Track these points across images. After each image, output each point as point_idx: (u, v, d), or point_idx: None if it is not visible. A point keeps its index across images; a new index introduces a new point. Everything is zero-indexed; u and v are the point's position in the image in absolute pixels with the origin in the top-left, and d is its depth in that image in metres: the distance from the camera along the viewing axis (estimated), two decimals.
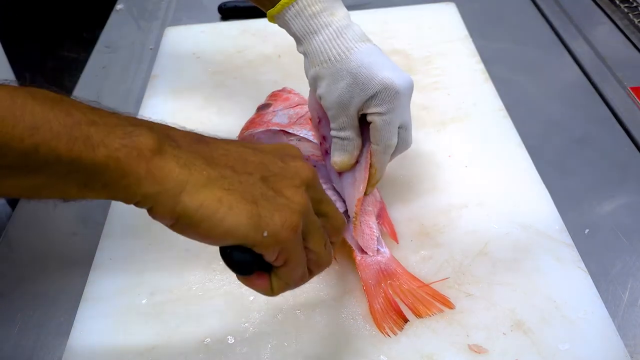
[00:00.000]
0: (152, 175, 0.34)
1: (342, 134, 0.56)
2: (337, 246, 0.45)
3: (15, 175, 0.33)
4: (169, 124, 0.39)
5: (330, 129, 0.57)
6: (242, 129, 0.68)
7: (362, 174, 0.56)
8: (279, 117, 0.67)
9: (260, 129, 0.66)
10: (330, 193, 0.59)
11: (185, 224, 0.35)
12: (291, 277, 0.40)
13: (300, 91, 0.70)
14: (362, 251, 0.56)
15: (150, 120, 0.38)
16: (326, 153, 0.60)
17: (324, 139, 0.60)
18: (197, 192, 0.35)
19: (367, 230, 0.57)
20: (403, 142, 0.56)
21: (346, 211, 0.58)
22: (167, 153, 0.35)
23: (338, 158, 0.57)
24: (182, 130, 0.38)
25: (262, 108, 0.70)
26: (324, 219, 0.42)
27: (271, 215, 0.36)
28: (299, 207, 0.38)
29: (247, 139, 0.66)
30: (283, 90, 0.73)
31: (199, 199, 0.35)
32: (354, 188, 0.57)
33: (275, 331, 0.52)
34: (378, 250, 0.56)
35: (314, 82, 0.56)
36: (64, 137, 0.32)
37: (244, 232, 0.36)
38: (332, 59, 0.54)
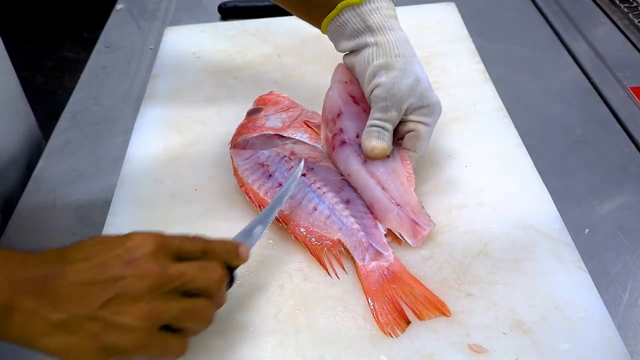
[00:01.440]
0: (3, 332, 0.41)
1: (385, 124, 0.59)
2: (223, 296, 0.48)
3: None
4: (27, 256, 0.43)
5: (373, 118, 0.59)
6: (234, 135, 0.67)
7: (400, 166, 0.60)
8: (272, 121, 0.67)
9: (254, 134, 0.66)
10: (330, 195, 0.59)
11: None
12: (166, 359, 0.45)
13: (300, 92, 0.70)
14: (362, 258, 0.56)
15: (12, 259, 0.43)
16: (342, 144, 0.62)
17: (341, 130, 0.62)
18: (44, 342, 0.41)
19: (376, 230, 0.57)
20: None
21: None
22: (12, 313, 0.40)
23: (378, 143, 0.59)
24: (32, 271, 0.42)
25: (253, 113, 0.70)
26: (197, 291, 0.45)
27: (114, 344, 0.41)
28: (140, 324, 0.42)
29: (240, 145, 0.66)
30: (271, 94, 0.73)
31: (46, 347, 0.41)
32: (397, 176, 0.59)
33: (275, 331, 0.52)
34: (381, 254, 0.56)
35: (377, 71, 0.59)
36: None
37: None
38: (405, 56, 0.59)
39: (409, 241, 0.57)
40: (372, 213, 0.59)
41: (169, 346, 0.44)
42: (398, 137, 0.62)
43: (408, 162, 0.60)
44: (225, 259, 0.49)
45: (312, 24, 0.65)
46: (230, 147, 0.66)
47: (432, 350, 0.50)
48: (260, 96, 0.73)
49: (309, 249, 0.57)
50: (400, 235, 0.57)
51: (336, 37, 0.63)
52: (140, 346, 0.42)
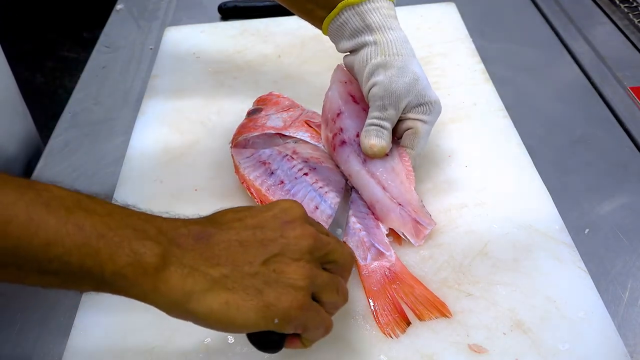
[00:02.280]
0: (158, 289, 0.38)
1: (383, 123, 0.59)
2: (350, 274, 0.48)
3: (34, 276, 0.37)
4: (176, 219, 0.42)
5: (371, 117, 0.60)
6: (235, 134, 0.67)
7: (399, 164, 0.60)
8: (273, 121, 0.67)
9: (256, 133, 0.66)
10: (332, 195, 0.60)
11: (198, 323, 0.40)
12: (315, 335, 0.44)
13: (300, 92, 0.70)
14: (364, 258, 0.56)
15: (160, 219, 0.41)
16: (342, 143, 0.62)
17: (341, 130, 0.62)
18: (204, 299, 0.38)
19: (378, 230, 0.58)
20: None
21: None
22: (171, 266, 0.38)
23: (376, 142, 0.59)
24: (186, 229, 0.41)
25: (253, 113, 0.70)
26: (333, 265, 0.45)
27: (277, 302, 0.39)
28: (302, 283, 0.41)
29: (241, 144, 0.66)
30: (270, 94, 0.73)
31: (206, 305, 0.38)
32: (397, 175, 0.60)
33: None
34: (383, 254, 0.56)
35: (374, 69, 0.59)
36: (75, 253, 0.36)
37: (255, 324, 0.40)
38: (403, 55, 0.60)
39: (411, 240, 0.57)
40: (373, 213, 0.59)
41: (321, 315, 0.43)
42: (397, 135, 0.62)
43: (407, 160, 0.60)
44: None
45: (313, 24, 0.65)
46: (231, 146, 0.66)
47: (432, 350, 0.50)
48: (259, 97, 0.73)
49: None
50: (403, 234, 0.57)
51: (337, 37, 0.63)
52: (299, 307, 0.40)
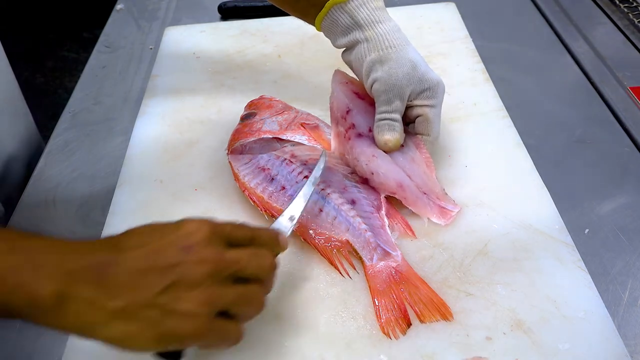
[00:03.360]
0: (59, 324, 0.40)
1: (393, 115, 0.60)
2: (272, 282, 0.48)
3: None
4: (79, 244, 0.42)
5: (379, 112, 0.61)
6: (230, 140, 0.67)
7: (417, 153, 0.61)
8: (268, 125, 0.67)
9: (252, 138, 0.66)
10: (335, 196, 0.59)
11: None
12: (222, 347, 0.46)
13: (300, 92, 0.70)
14: (371, 258, 0.56)
15: (65, 247, 0.42)
16: (359, 136, 0.63)
17: (353, 125, 0.63)
18: (102, 331, 0.40)
19: (384, 230, 0.58)
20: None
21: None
22: (68, 303, 0.39)
23: (391, 136, 0.60)
24: (86, 260, 0.41)
25: (247, 117, 0.69)
26: (248, 277, 0.45)
27: (174, 332, 0.41)
28: (199, 310, 0.41)
29: (238, 150, 0.66)
30: (262, 98, 0.73)
31: (105, 336, 0.40)
32: (418, 165, 0.61)
33: (275, 331, 0.52)
34: (389, 254, 0.56)
35: (371, 66, 0.60)
36: None
37: (154, 349, 0.42)
38: (396, 46, 0.60)
39: (438, 222, 0.59)
40: (377, 211, 0.59)
41: (226, 332, 0.44)
42: (407, 122, 0.63)
43: (423, 148, 0.62)
44: (270, 245, 0.49)
45: (307, 22, 0.66)
46: (227, 153, 0.66)
47: (432, 350, 0.50)
48: (250, 101, 0.73)
49: (319, 251, 0.57)
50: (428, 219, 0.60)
51: (331, 34, 0.64)
52: (199, 333, 0.41)
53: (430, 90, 0.61)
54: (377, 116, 0.61)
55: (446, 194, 0.61)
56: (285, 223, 0.53)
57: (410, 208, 0.60)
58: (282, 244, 0.50)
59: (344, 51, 0.65)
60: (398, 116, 0.61)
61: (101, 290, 0.40)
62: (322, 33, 0.65)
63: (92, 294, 0.40)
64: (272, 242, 0.49)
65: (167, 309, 0.40)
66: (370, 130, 0.63)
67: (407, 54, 0.61)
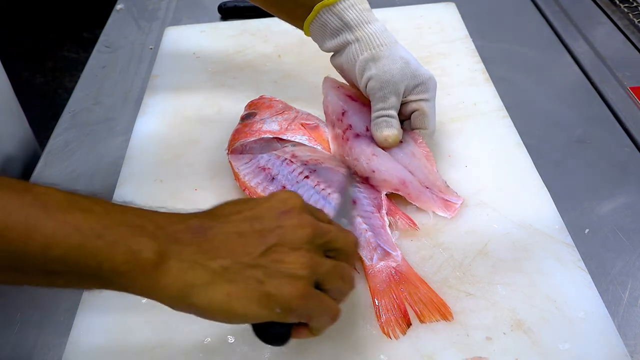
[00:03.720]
0: (158, 285, 0.38)
1: (390, 112, 0.61)
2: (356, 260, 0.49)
3: (37, 277, 0.38)
4: (173, 213, 0.42)
5: (376, 110, 0.61)
6: (231, 140, 0.67)
7: (417, 148, 0.62)
8: (268, 125, 0.67)
9: (252, 139, 0.66)
10: (336, 196, 0.59)
11: (202, 317, 0.40)
12: (321, 323, 0.43)
13: (301, 92, 0.70)
14: (371, 258, 0.56)
15: (157, 214, 0.41)
16: (357, 136, 0.63)
17: (350, 126, 0.64)
18: (205, 292, 0.39)
19: (384, 230, 0.58)
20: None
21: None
22: (169, 261, 0.38)
23: (389, 132, 0.61)
24: (183, 224, 0.41)
25: (247, 117, 0.69)
26: (335, 252, 0.44)
27: (278, 291, 0.39)
28: (302, 272, 0.40)
29: (238, 150, 0.66)
30: (261, 98, 0.73)
31: (208, 298, 0.39)
32: (419, 160, 0.62)
33: None
34: (389, 254, 0.56)
35: (365, 65, 0.61)
36: (73, 254, 0.36)
37: (257, 315, 0.40)
38: (387, 44, 0.61)
39: (444, 215, 0.60)
40: (378, 211, 0.59)
41: (326, 303, 0.43)
42: (402, 119, 0.64)
43: (422, 142, 0.63)
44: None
45: (294, 24, 0.66)
46: (228, 153, 0.66)
47: (432, 350, 0.50)
48: (250, 101, 0.73)
49: None
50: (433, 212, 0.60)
51: (320, 38, 0.65)
52: (301, 296, 0.40)
53: (424, 84, 0.62)
54: (374, 114, 0.62)
55: (448, 186, 0.61)
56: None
57: (414, 203, 0.61)
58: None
59: (332, 55, 0.65)
60: (394, 112, 0.61)
61: (203, 251, 0.39)
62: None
63: (194, 254, 0.39)
64: (354, 236, 0.48)
65: (269, 269, 0.40)
66: (368, 129, 0.63)
67: (398, 51, 0.62)
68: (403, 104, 0.63)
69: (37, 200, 0.37)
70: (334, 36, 0.63)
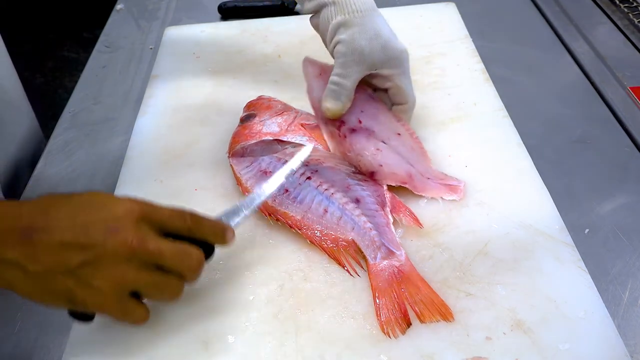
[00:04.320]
0: None
1: (344, 81, 0.61)
2: (197, 278, 0.50)
3: None
4: (7, 206, 0.46)
5: (333, 74, 0.62)
6: (231, 143, 0.67)
7: (412, 143, 0.64)
8: (268, 127, 0.67)
9: (253, 141, 0.65)
10: (339, 196, 0.59)
11: None
12: (126, 322, 0.49)
13: (301, 92, 0.70)
14: (374, 257, 0.56)
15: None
16: (352, 131, 0.64)
17: (343, 123, 0.64)
18: (24, 289, 0.45)
19: (388, 228, 0.58)
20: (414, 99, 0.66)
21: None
22: None
23: (331, 104, 0.62)
24: (15, 222, 0.44)
25: (247, 119, 0.69)
26: (169, 268, 0.47)
27: (85, 302, 0.45)
28: (112, 290, 0.45)
29: (239, 152, 0.65)
30: (260, 98, 0.72)
31: (26, 293, 0.45)
32: (417, 154, 0.64)
33: (275, 331, 0.52)
34: (393, 253, 0.56)
35: (336, 28, 0.61)
36: None
37: (68, 307, 0.47)
38: (362, 11, 0.61)
39: (452, 198, 0.61)
40: (382, 209, 0.59)
41: (130, 313, 0.47)
42: (376, 90, 0.66)
43: (416, 137, 0.65)
44: (211, 239, 0.50)
45: None
46: (228, 156, 0.66)
47: (432, 350, 0.50)
48: (249, 102, 0.72)
49: (327, 252, 0.57)
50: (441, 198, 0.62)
51: None
52: (105, 307, 0.46)
53: (395, 59, 0.62)
54: (331, 78, 0.62)
55: (446, 174, 0.63)
56: (236, 215, 0.54)
57: (420, 194, 0.62)
58: (228, 238, 0.51)
59: (312, 16, 0.66)
60: (349, 83, 0.62)
61: (26, 253, 0.43)
62: None
63: (18, 255, 0.43)
64: (215, 236, 0.50)
65: (81, 281, 0.44)
66: (360, 121, 0.64)
67: (372, 21, 0.61)
68: (375, 77, 0.63)
69: None
70: None
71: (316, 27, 0.65)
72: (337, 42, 0.61)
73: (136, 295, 0.47)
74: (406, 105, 0.65)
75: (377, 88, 0.66)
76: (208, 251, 0.50)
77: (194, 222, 0.49)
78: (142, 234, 0.45)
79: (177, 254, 0.47)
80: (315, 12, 0.64)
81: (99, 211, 0.45)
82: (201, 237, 0.49)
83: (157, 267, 0.46)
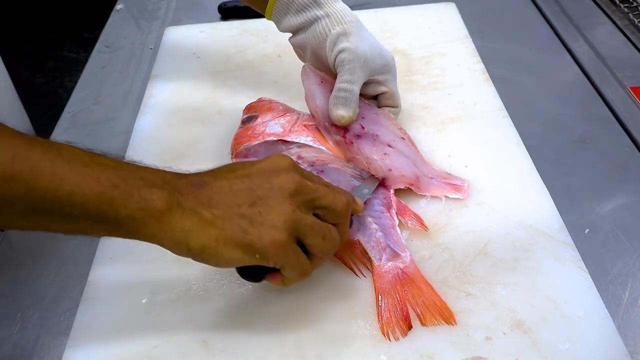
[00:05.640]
0: (163, 229, 0.44)
1: (353, 87, 0.62)
2: (347, 229, 0.52)
3: (58, 222, 0.43)
4: (177, 172, 0.48)
5: (340, 81, 0.62)
6: (234, 144, 0.67)
7: (410, 147, 0.65)
8: (272, 128, 0.67)
9: (256, 142, 0.65)
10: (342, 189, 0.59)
11: (196, 259, 0.46)
12: (292, 274, 0.48)
13: (301, 92, 0.70)
14: (379, 258, 0.56)
15: (163, 171, 0.48)
16: (358, 137, 0.64)
17: (347, 130, 0.65)
18: (199, 236, 0.45)
19: (394, 230, 0.58)
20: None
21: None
22: (173, 208, 0.44)
23: (345, 112, 0.63)
24: (186, 179, 0.47)
25: (249, 121, 0.69)
26: (323, 211, 0.49)
27: (258, 240, 0.45)
28: (281, 224, 0.45)
29: (242, 154, 0.65)
30: (260, 100, 0.72)
31: (201, 242, 0.45)
32: (418, 155, 0.65)
33: (275, 330, 0.52)
34: (398, 254, 0.56)
35: (337, 38, 0.62)
36: (93, 201, 0.42)
37: (240, 259, 0.46)
38: (355, 22, 0.63)
39: (457, 197, 0.62)
40: (388, 210, 0.59)
41: (301, 259, 0.48)
42: (368, 98, 0.67)
43: (410, 139, 0.66)
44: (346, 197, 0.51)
45: (256, 5, 0.69)
46: (232, 157, 0.66)
47: (432, 351, 0.50)
48: (249, 104, 0.72)
49: (334, 255, 0.56)
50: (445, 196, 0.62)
51: (281, 15, 0.66)
52: (277, 245, 0.45)
53: (389, 64, 0.65)
54: (338, 85, 0.63)
55: (449, 174, 0.64)
56: (361, 193, 0.58)
57: (425, 194, 0.62)
58: (359, 202, 0.54)
59: (293, 35, 0.67)
60: (357, 88, 0.63)
61: (200, 201, 0.45)
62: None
63: (193, 203, 0.45)
64: (347, 196, 0.52)
65: (254, 219, 0.45)
66: (363, 127, 0.64)
67: (364, 30, 0.64)
68: (370, 83, 0.65)
69: (60, 155, 0.42)
70: (298, 12, 0.64)
71: (301, 43, 0.66)
72: (340, 51, 0.62)
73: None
74: (398, 109, 0.67)
75: (366, 96, 0.67)
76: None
77: (328, 183, 0.51)
78: (299, 175, 0.48)
79: (329, 191, 0.49)
80: (301, 29, 0.65)
81: (257, 164, 0.49)
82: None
83: (314, 214, 0.48)
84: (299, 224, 0.46)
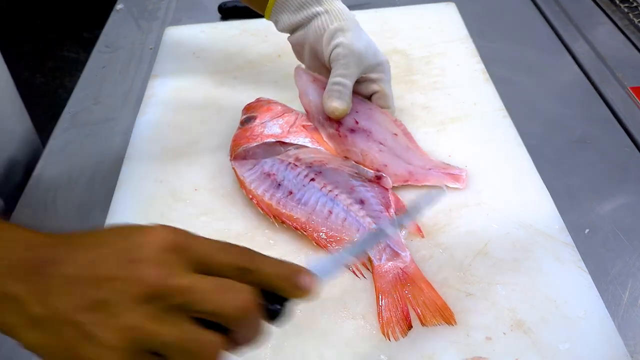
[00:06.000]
0: None
1: (346, 81, 0.63)
2: (253, 333, 0.38)
3: None
4: (31, 235, 0.38)
5: (334, 76, 0.64)
6: (232, 146, 0.67)
7: (407, 141, 0.66)
8: (270, 129, 0.66)
9: (255, 143, 0.65)
10: (343, 197, 0.59)
11: None
12: None
13: (298, 94, 0.70)
14: (379, 258, 0.56)
15: (8, 237, 0.37)
16: (351, 131, 0.65)
17: (340, 123, 0.65)
18: (23, 336, 0.36)
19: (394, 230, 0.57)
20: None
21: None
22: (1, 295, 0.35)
23: (339, 104, 0.64)
24: (31, 252, 0.36)
25: (247, 122, 0.68)
26: (210, 316, 0.35)
27: (87, 358, 0.34)
28: (122, 343, 0.33)
29: (241, 155, 0.65)
30: (259, 101, 0.72)
31: (26, 342, 0.36)
32: (413, 150, 0.65)
33: (275, 331, 0.52)
34: (398, 254, 0.56)
35: (334, 33, 0.63)
36: None
37: None
38: (352, 20, 0.65)
39: (456, 186, 0.63)
40: (387, 210, 0.59)
41: None
42: (363, 96, 0.68)
43: (408, 132, 0.66)
44: (275, 284, 0.37)
45: (254, 3, 0.70)
46: (230, 159, 0.66)
47: (432, 351, 0.50)
48: (247, 104, 0.72)
49: None
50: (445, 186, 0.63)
51: (281, 13, 0.67)
52: None
53: (382, 65, 0.66)
54: (332, 79, 0.64)
55: (448, 164, 0.65)
56: (328, 266, 0.40)
57: (424, 184, 0.63)
58: (303, 284, 0.37)
59: (292, 33, 0.68)
60: (350, 83, 0.63)
61: (31, 291, 0.35)
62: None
63: (22, 293, 0.35)
64: (279, 280, 0.37)
65: (85, 331, 0.34)
66: (357, 122, 0.65)
67: (361, 30, 0.65)
68: (363, 82, 0.66)
69: None
70: (299, 10, 0.65)
71: (300, 40, 0.67)
72: (336, 46, 0.63)
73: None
74: (390, 110, 0.68)
75: (360, 95, 0.68)
76: (274, 308, 0.37)
77: (249, 259, 0.37)
78: (165, 269, 0.34)
79: (214, 288, 0.35)
80: (300, 26, 0.66)
81: (124, 240, 0.36)
82: (259, 282, 0.36)
83: (194, 317, 0.34)
84: (148, 341, 0.33)
